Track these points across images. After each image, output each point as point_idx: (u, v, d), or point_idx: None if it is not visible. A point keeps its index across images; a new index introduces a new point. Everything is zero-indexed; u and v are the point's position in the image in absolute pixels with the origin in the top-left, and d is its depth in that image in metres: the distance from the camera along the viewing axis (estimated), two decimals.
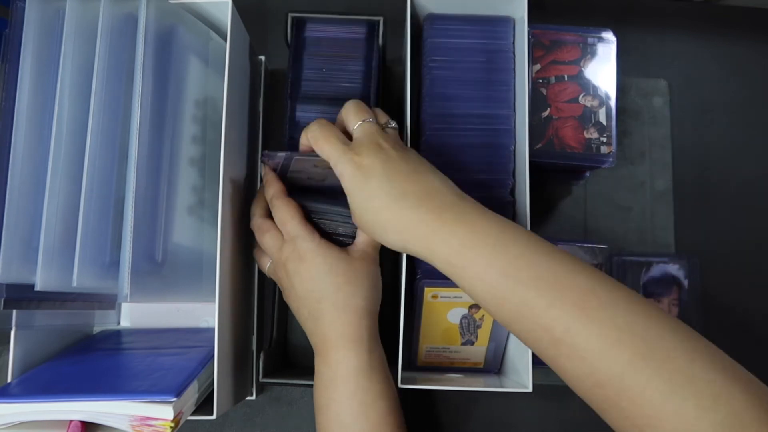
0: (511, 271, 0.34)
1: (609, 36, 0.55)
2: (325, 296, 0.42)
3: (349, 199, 0.40)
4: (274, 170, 0.46)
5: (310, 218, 0.45)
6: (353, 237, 0.45)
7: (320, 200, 0.45)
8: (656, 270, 0.60)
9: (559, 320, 0.33)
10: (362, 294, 0.43)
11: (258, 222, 0.46)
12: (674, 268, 0.60)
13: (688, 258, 0.60)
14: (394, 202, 0.38)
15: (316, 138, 0.42)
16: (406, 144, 0.47)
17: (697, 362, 0.30)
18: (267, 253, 0.46)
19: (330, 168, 0.42)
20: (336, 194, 0.44)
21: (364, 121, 0.42)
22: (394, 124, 0.44)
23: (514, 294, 0.34)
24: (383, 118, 0.44)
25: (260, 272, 0.54)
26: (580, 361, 0.32)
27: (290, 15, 0.50)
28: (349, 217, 0.43)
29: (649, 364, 0.30)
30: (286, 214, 0.44)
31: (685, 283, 0.60)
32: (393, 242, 0.40)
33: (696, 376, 0.29)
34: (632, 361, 0.30)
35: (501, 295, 0.35)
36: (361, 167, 0.39)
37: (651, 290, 0.60)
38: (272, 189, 0.45)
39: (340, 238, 0.45)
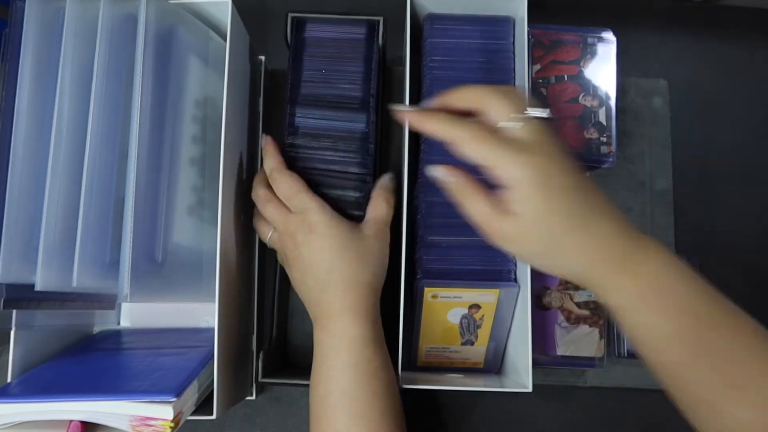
0: (694, 313, 0.35)
1: (609, 36, 0.55)
2: (335, 268, 0.42)
3: (522, 209, 0.35)
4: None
5: (322, 193, 0.45)
6: (360, 202, 0.46)
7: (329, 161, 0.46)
8: None
9: (738, 364, 0.33)
10: (371, 270, 0.43)
11: (260, 193, 0.45)
12: None
13: (688, 257, 0.59)
14: (582, 223, 0.35)
15: (463, 138, 0.36)
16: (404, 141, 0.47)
17: None
18: (272, 223, 0.45)
19: None
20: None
21: (522, 113, 0.36)
22: (543, 111, 0.38)
23: (697, 334, 0.34)
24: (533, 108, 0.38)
25: (260, 273, 0.54)
26: (753, 407, 0.32)
27: (290, 15, 0.50)
28: (359, 182, 0.44)
29: None
30: (290, 188, 0.43)
31: None
32: (563, 267, 0.37)
33: None
34: None
35: (681, 336, 0.34)
36: (542, 173, 0.34)
37: None
38: (272, 161, 0.45)
39: (346, 205, 0.45)
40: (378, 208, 0.45)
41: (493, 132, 0.36)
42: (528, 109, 0.36)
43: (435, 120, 0.38)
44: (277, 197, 0.44)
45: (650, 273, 0.35)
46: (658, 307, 0.35)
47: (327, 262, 0.42)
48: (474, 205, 0.37)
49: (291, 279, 0.46)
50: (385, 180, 0.47)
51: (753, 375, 0.33)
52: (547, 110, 0.37)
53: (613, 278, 0.35)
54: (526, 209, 0.35)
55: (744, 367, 0.33)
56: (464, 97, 0.38)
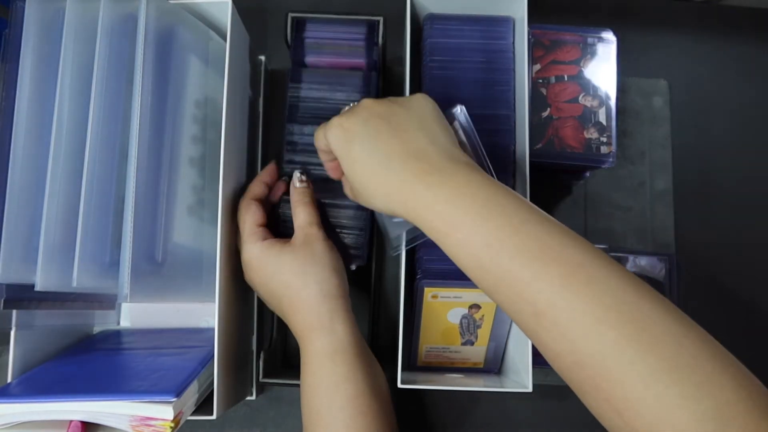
0: (494, 240, 0.32)
1: (609, 36, 0.55)
2: (282, 295, 0.43)
3: (342, 166, 0.39)
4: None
5: (325, 212, 0.46)
6: (363, 230, 0.46)
7: (332, 196, 0.46)
8: (629, 265, 0.60)
9: (542, 293, 0.31)
10: (313, 279, 0.42)
11: (238, 213, 0.46)
12: (650, 265, 0.60)
13: (669, 257, 0.59)
14: (378, 165, 0.37)
15: (317, 134, 0.41)
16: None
17: (685, 348, 0.28)
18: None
19: None
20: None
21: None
22: None
23: (497, 264, 0.32)
24: None
25: None
26: (561, 338, 0.30)
27: (290, 15, 0.50)
28: (358, 210, 0.44)
29: (633, 346, 0.28)
30: (243, 215, 0.45)
31: (664, 281, 0.60)
32: (380, 207, 0.38)
33: (682, 363, 0.27)
34: (617, 341, 0.28)
35: (484, 264, 0.33)
36: (343, 129, 0.38)
37: None
38: (250, 187, 0.46)
39: (350, 232, 0.46)
40: (297, 215, 0.45)
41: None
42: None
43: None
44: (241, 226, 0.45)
45: (443, 205, 0.34)
46: (455, 241, 0.34)
47: (272, 294, 0.43)
48: (335, 177, 0.43)
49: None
50: (296, 184, 0.46)
51: (562, 298, 0.30)
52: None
53: (414, 211, 0.36)
54: (342, 165, 0.39)
55: (547, 296, 0.31)
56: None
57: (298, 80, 0.49)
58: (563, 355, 0.31)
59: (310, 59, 0.50)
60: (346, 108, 0.41)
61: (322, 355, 0.42)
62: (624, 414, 0.28)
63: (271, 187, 0.47)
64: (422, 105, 0.39)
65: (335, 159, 0.41)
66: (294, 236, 0.44)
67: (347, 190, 0.43)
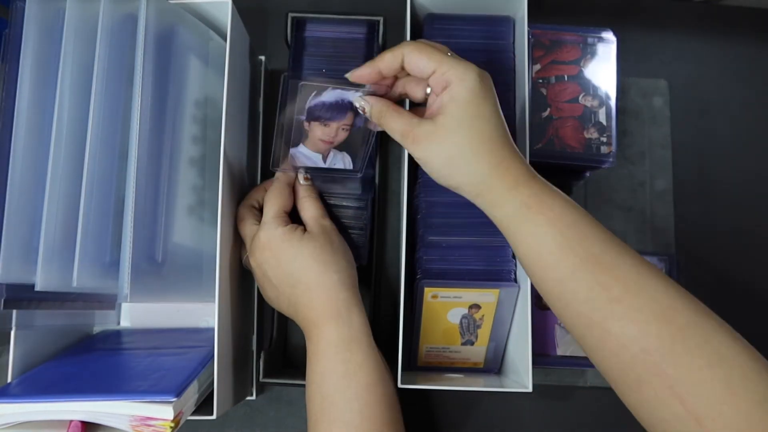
0: (580, 227, 0.36)
1: (609, 36, 0.55)
2: (298, 280, 0.43)
3: (452, 109, 0.38)
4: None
5: (330, 211, 0.46)
6: (363, 229, 0.46)
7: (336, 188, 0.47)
8: None
9: (618, 281, 0.34)
10: (333, 268, 0.43)
11: (239, 210, 0.47)
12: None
13: (669, 257, 0.59)
14: (499, 139, 0.38)
15: (420, 48, 0.39)
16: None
17: (739, 346, 0.32)
18: (244, 242, 0.46)
19: (365, 125, 0.43)
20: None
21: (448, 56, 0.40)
22: None
23: (581, 246, 0.35)
24: None
25: None
26: (632, 324, 0.33)
27: (290, 15, 0.50)
28: (358, 210, 0.44)
29: (697, 337, 0.32)
30: (270, 198, 0.45)
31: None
32: (468, 173, 0.38)
33: (739, 357, 0.31)
34: (683, 330, 0.32)
35: (567, 247, 0.36)
36: (485, 79, 0.38)
37: None
38: (283, 177, 0.46)
39: (351, 231, 0.47)
40: (306, 209, 0.45)
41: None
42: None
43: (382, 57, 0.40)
44: (251, 217, 0.46)
45: (539, 191, 0.37)
46: (543, 218, 0.36)
47: (289, 277, 0.43)
48: (395, 119, 0.40)
49: (266, 298, 0.47)
50: (300, 181, 0.46)
51: (633, 290, 0.33)
52: None
53: (505, 191, 0.38)
54: (458, 106, 0.37)
55: (625, 283, 0.34)
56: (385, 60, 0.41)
57: (300, 61, 0.49)
58: (630, 343, 0.33)
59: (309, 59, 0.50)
60: (450, 62, 0.39)
61: (338, 343, 0.41)
62: (687, 400, 0.31)
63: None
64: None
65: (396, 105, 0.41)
66: (308, 227, 0.44)
67: (407, 131, 0.39)
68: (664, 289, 0.33)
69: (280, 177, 0.46)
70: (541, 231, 0.37)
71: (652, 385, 0.32)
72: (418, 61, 0.39)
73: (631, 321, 0.33)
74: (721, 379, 0.30)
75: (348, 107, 0.44)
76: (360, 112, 0.43)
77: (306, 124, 0.45)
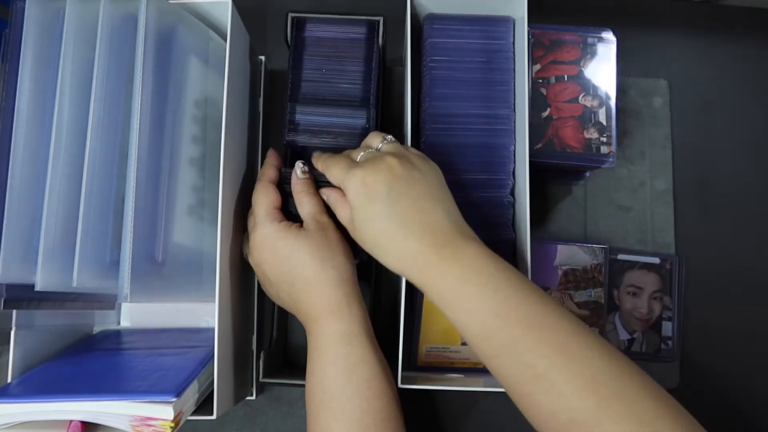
0: (502, 311, 0.36)
1: (609, 36, 0.55)
2: (296, 277, 0.43)
3: (353, 214, 0.41)
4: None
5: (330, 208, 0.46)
6: None
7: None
8: (641, 266, 0.60)
9: (543, 358, 0.35)
10: (330, 264, 0.43)
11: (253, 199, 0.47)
12: (657, 266, 0.60)
13: (673, 258, 0.60)
14: (397, 230, 0.39)
15: (327, 164, 0.43)
16: (406, 143, 0.47)
17: (660, 405, 0.33)
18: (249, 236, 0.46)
19: None
20: None
21: (373, 148, 0.43)
22: (390, 138, 0.44)
23: (502, 331, 0.36)
24: (379, 137, 0.44)
25: None
26: (558, 396, 0.34)
27: (290, 15, 0.50)
28: None
29: (619, 405, 0.33)
30: (260, 197, 0.45)
31: (669, 280, 0.60)
32: (392, 266, 0.41)
33: (660, 421, 0.33)
34: (606, 399, 0.33)
35: (489, 332, 0.37)
36: (366, 186, 0.40)
37: (633, 283, 0.60)
38: (263, 171, 0.46)
39: None
40: (303, 205, 0.45)
41: (348, 158, 0.43)
42: (362, 152, 0.43)
43: (322, 155, 0.45)
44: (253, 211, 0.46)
45: (455, 277, 0.38)
46: (462, 309, 0.38)
47: (287, 275, 0.43)
48: (340, 212, 0.44)
49: (268, 295, 0.47)
50: (298, 175, 0.46)
51: (557, 365, 0.34)
52: (390, 137, 0.44)
53: (426, 280, 0.39)
54: (354, 214, 0.41)
55: (549, 358, 0.35)
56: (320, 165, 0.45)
57: (300, 61, 0.49)
58: (559, 413, 0.34)
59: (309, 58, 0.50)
60: (361, 155, 0.42)
61: (339, 337, 0.42)
62: None
63: (280, 170, 0.47)
64: (435, 175, 0.42)
65: (344, 197, 0.43)
66: (306, 224, 0.44)
67: (346, 223, 0.43)
68: (589, 360, 0.35)
69: (262, 176, 0.46)
70: (462, 320, 0.38)
71: None
72: (330, 177, 0.43)
73: (557, 393, 0.34)
74: None
75: None
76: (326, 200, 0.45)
77: None
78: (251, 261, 0.45)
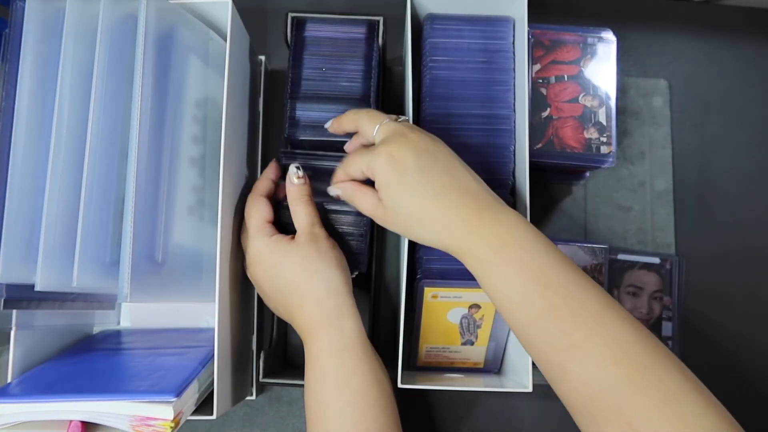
0: (542, 277, 0.36)
1: (609, 36, 0.55)
2: (288, 291, 0.43)
3: (383, 194, 0.40)
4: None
5: (326, 217, 0.46)
6: (363, 236, 0.46)
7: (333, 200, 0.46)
8: (641, 266, 0.60)
9: (579, 327, 0.35)
10: (321, 276, 0.43)
11: (244, 221, 0.46)
12: (657, 266, 0.60)
13: (673, 258, 0.60)
14: (433, 200, 0.39)
15: (347, 162, 0.43)
16: None
17: (686, 381, 0.34)
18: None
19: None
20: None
21: (381, 123, 0.42)
22: (403, 117, 0.44)
23: (541, 297, 0.36)
24: (393, 116, 0.44)
25: None
26: (591, 367, 0.34)
27: (290, 15, 0.50)
28: (358, 216, 0.45)
29: (649, 378, 0.34)
30: (250, 211, 0.45)
31: (669, 280, 0.60)
32: (428, 238, 0.40)
33: (687, 395, 0.33)
34: (637, 371, 0.34)
35: (528, 297, 0.36)
36: (394, 159, 0.39)
37: (633, 283, 0.60)
38: (256, 185, 0.46)
39: (350, 238, 0.46)
40: (297, 214, 0.44)
41: (361, 148, 0.43)
42: (386, 118, 0.42)
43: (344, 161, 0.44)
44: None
45: (498, 240, 0.38)
46: (503, 273, 0.37)
47: (279, 291, 0.43)
48: (362, 201, 0.42)
49: (269, 307, 0.47)
50: (293, 180, 0.45)
51: (592, 336, 0.35)
52: (404, 116, 0.44)
53: (466, 245, 0.38)
54: (385, 193, 0.40)
55: (585, 328, 0.35)
56: (345, 122, 0.45)
57: (300, 60, 0.49)
58: (591, 383, 0.34)
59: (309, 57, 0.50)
60: (376, 127, 0.42)
61: (330, 350, 0.42)
62: None
63: (276, 184, 0.47)
64: (452, 151, 0.42)
65: (363, 185, 0.43)
66: (297, 235, 0.44)
67: (371, 212, 0.42)
68: (622, 332, 0.35)
69: (255, 188, 0.46)
70: (502, 284, 0.38)
71: (612, 421, 0.34)
72: (352, 163, 0.42)
73: (590, 364, 0.35)
74: (669, 416, 0.32)
75: None
76: (336, 197, 0.45)
77: None
78: (249, 277, 0.46)
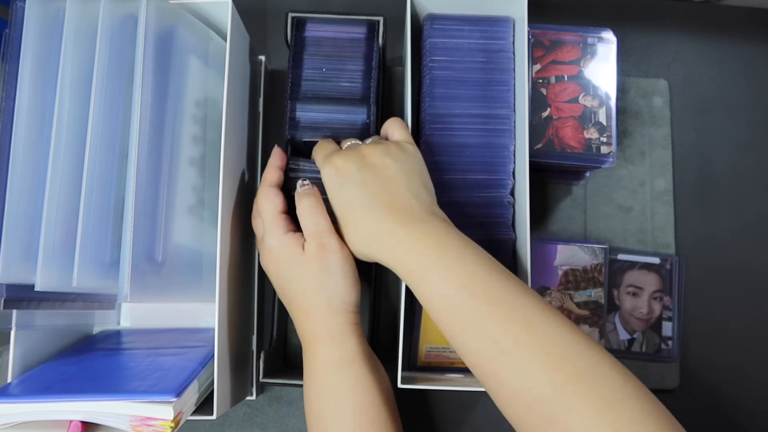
0: (469, 283, 0.36)
1: (609, 36, 0.55)
2: (292, 298, 0.43)
3: (330, 201, 0.42)
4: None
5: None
6: None
7: None
8: (641, 266, 0.60)
9: (509, 333, 0.34)
10: (327, 292, 0.42)
11: (255, 205, 0.46)
12: (657, 266, 0.60)
13: (673, 258, 0.60)
14: (362, 210, 0.40)
15: (315, 150, 0.45)
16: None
17: (627, 385, 0.33)
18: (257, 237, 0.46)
19: None
20: None
21: (351, 141, 0.45)
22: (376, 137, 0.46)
23: (469, 305, 0.36)
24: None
25: (260, 273, 0.54)
26: (523, 374, 0.33)
27: (290, 15, 0.50)
28: None
29: (587, 383, 0.32)
30: (263, 204, 0.44)
31: (669, 280, 0.60)
32: (361, 249, 0.41)
33: (627, 399, 0.32)
34: (573, 377, 0.33)
35: (456, 305, 0.36)
36: (337, 170, 0.41)
37: (633, 283, 0.60)
38: (265, 175, 0.45)
39: None
40: (304, 223, 0.43)
41: (334, 145, 0.45)
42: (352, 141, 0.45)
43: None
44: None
45: (424, 250, 0.38)
46: (430, 281, 0.37)
47: (288, 293, 0.43)
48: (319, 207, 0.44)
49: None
50: (297, 188, 0.44)
51: (523, 341, 0.34)
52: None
53: (395, 257, 0.39)
54: (330, 199, 0.42)
55: (516, 334, 0.34)
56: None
57: (300, 59, 0.49)
58: (524, 391, 0.33)
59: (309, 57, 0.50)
60: (347, 145, 0.44)
61: (330, 364, 0.41)
62: None
63: (285, 172, 0.46)
64: (413, 162, 0.42)
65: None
66: (306, 245, 0.42)
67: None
68: (556, 337, 0.34)
69: (264, 180, 0.45)
70: (430, 294, 0.37)
71: (548, 431, 0.33)
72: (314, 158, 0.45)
73: (522, 372, 0.33)
74: (609, 424, 0.31)
75: None
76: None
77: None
78: (261, 263, 0.45)
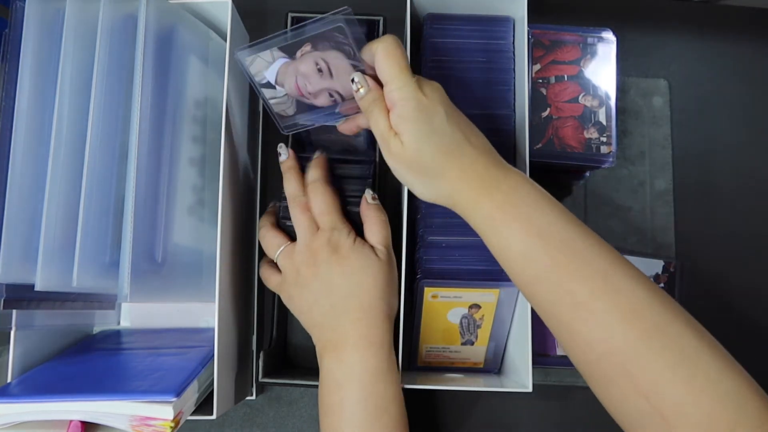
0: (547, 232, 0.36)
1: (609, 36, 0.55)
2: (354, 295, 0.42)
3: (406, 127, 0.37)
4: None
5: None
6: (359, 194, 0.46)
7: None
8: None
9: (584, 285, 0.34)
10: (386, 298, 0.43)
11: (297, 197, 0.44)
12: (659, 268, 0.60)
13: (676, 262, 0.59)
14: (457, 147, 0.38)
15: (388, 52, 0.38)
16: None
17: (704, 346, 0.32)
18: (298, 233, 0.44)
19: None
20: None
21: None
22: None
23: (546, 254, 0.35)
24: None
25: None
26: (597, 327, 0.33)
27: (290, 15, 0.50)
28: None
29: (661, 338, 0.32)
30: (327, 204, 0.43)
31: (672, 284, 0.60)
32: (439, 187, 0.39)
33: (702, 356, 0.32)
34: (648, 331, 0.32)
35: (533, 254, 0.36)
36: (425, 100, 0.37)
37: None
38: (319, 172, 0.45)
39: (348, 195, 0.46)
40: (375, 232, 0.44)
41: (407, 60, 0.39)
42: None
43: (386, 38, 0.39)
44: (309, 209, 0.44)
45: (504, 197, 0.37)
46: (509, 229, 0.37)
47: (346, 288, 0.42)
48: (378, 120, 0.39)
49: (294, 299, 0.44)
50: (368, 200, 0.45)
51: (598, 294, 0.34)
52: None
53: (473, 200, 0.38)
54: (409, 127, 0.37)
55: (591, 286, 0.34)
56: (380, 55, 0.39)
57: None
58: (596, 343, 0.33)
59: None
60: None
61: (375, 372, 0.41)
62: (652, 398, 0.32)
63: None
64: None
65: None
66: (378, 250, 0.43)
67: (387, 137, 0.39)
68: (631, 291, 0.34)
69: (314, 180, 0.44)
70: (508, 240, 0.37)
71: (619, 384, 0.33)
72: (381, 66, 0.38)
73: (596, 324, 0.33)
74: (683, 379, 0.31)
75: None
76: (354, 89, 0.40)
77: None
78: (310, 258, 0.42)
